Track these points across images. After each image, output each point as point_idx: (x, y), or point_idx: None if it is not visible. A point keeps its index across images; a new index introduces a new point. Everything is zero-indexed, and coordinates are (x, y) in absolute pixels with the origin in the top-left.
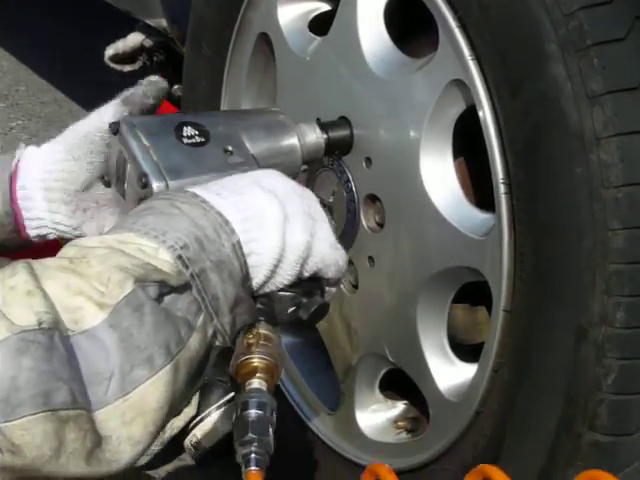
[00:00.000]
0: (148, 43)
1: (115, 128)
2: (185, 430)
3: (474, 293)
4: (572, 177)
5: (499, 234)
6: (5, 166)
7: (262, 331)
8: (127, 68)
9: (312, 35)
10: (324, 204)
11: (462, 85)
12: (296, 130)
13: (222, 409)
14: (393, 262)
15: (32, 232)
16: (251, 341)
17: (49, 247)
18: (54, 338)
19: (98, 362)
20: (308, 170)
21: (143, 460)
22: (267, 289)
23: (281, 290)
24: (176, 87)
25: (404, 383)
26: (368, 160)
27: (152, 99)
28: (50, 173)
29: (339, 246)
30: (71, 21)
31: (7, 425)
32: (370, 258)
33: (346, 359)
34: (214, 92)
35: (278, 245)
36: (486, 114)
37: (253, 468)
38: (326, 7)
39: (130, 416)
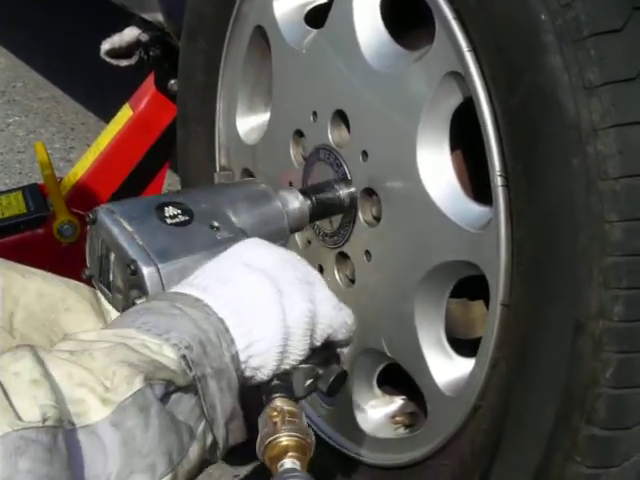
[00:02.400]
0: (144, 37)
1: (93, 217)
2: None
3: (471, 287)
4: (569, 169)
5: (496, 227)
6: None
7: (285, 407)
8: (123, 63)
9: (308, 28)
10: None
11: (459, 77)
12: (279, 198)
13: None
14: (390, 256)
15: None
16: (275, 419)
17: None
18: (57, 437)
19: (95, 464)
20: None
21: None
22: (286, 366)
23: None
24: (172, 82)
25: (402, 378)
26: (364, 153)
27: None
28: None
29: (343, 305)
30: (68, 16)
31: None
32: (367, 252)
33: (343, 354)
34: (210, 86)
35: (280, 325)
36: (483, 106)
37: None
38: None
39: None
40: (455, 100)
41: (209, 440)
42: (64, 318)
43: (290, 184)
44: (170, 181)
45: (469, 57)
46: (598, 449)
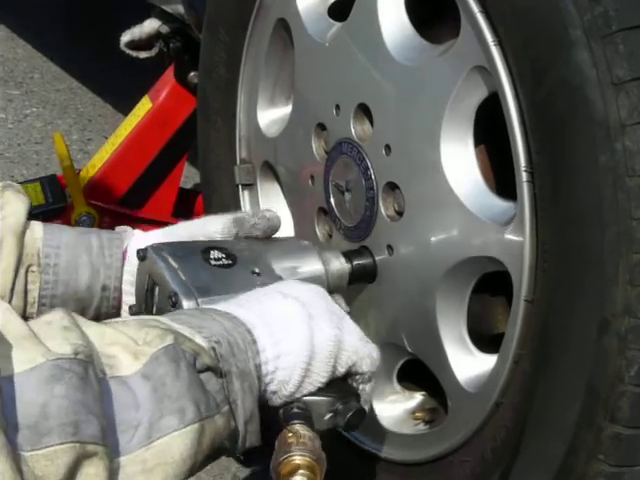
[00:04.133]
0: (164, 29)
1: (142, 254)
2: None
3: (494, 283)
4: (596, 165)
5: (521, 223)
6: (117, 244)
7: (301, 431)
8: (143, 55)
9: (331, 21)
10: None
11: (484, 71)
12: (321, 256)
13: None
14: (412, 251)
15: (124, 315)
16: (290, 440)
17: None
18: (89, 371)
19: (127, 410)
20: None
21: None
22: (305, 390)
23: (318, 392)
24: (192, 74)
25: (422, 374)
26: (388, 148)
27: (260, 232)
28: None
29: (369, 340)
30: (86, 8)
31: (32, 454)
32: (389, 247)
33: None
34: (231, 79)
35: (307, 342)
36: (509, 101)
37: None
38: None
39: (151, 464)
40: (480, 94)
41: (232, 424)
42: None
43: (312, 177)
44: (188, 173)
45: (495, 51)
46: (622, 448)
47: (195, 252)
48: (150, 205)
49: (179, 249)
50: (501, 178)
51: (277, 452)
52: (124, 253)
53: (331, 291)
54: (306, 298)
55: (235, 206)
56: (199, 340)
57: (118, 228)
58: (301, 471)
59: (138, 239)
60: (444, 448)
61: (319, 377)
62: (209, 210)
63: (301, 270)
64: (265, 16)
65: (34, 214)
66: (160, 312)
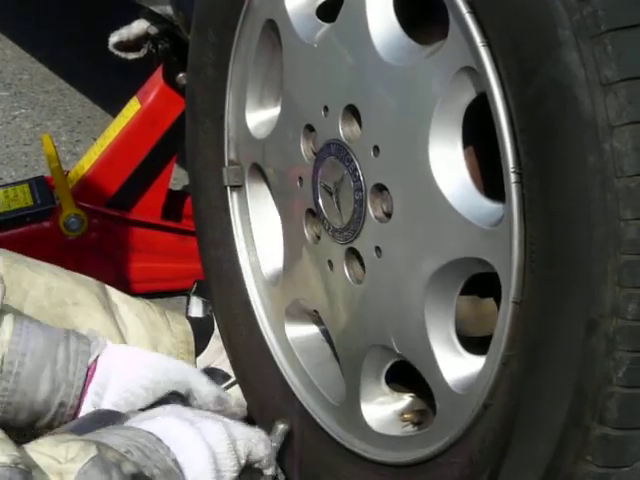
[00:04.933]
0: (153, 30)
1: None
2: None
3: (482, 284)
4: (584, 166)
5: (509, 224)
6: (83, 359)
7: None
8: (131, 56)
9: (320, 22)
10: None
11: (473, 72)
12: None
13: None
14: (400, 252)
15: None
16: None
17: None
18: None
19: None
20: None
21: None
22: None
23: None
24: (181, 75)
25: (411, 375)
26: (376, 149)
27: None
28: (125, 398)
29: (253, 427)
30: (75, 9)
31: None
32: (377, 248)
33: (352, 351)
34: (219, 80)
35: (203, 446)
36: (497, 102)
37: None
38: None
39: None
40: (469, 96)
41: None
42: (72, 311)
43: (300, 179)
44: (177, 175)
45: (483, 52)
46: (610, 449)
47: None
48: (139, 207)
49: None
50: (489, 179)
51: None
52: (89, 369)
53: None
54: (176, 411)
55: (223, 208)
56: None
57: (90, 334)
58: None
59: (108, 353)
60: (432, 450)
61: (229, 472)
62: (198, 212)
63: None
64: (254, 17)
65: (21, 216)
66: None
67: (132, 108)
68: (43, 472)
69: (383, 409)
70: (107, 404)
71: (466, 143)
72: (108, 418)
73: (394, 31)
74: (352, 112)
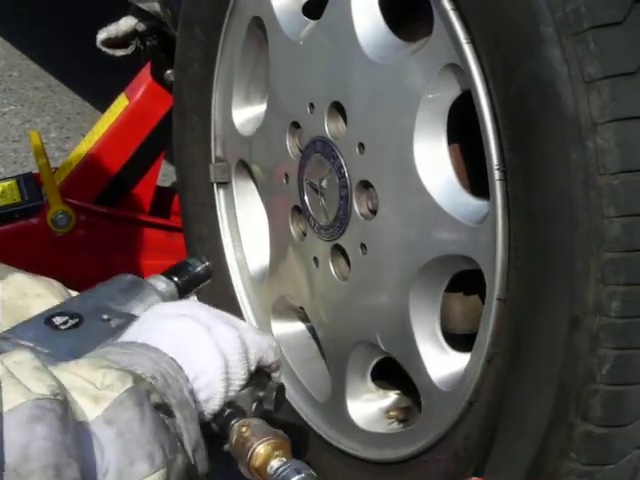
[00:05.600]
0: (141, 27)
1: None
2: None
3: (467, 281)
4: (568, 163)
5: (493, 221)
6: None
7: (245, 425)
8: (119, 52)
9: (306, 19)
10: None
11: (457, 69)
12: (149, 284)
13: None
14: (386, 249)
15: None
16: (246, 434)
17: None
18: (68, 412)
19: (91, 456)
20: None
21: None
22: (232, 393)
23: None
24: (169, 72)
25: (396, 373)
26: (361, 146)
27: None
28: None
29: (264, 333)
30: (64, 5)
31: None
32: (362, 245)
33: (337, 348)
34: (206, 76)
35: (216, 353)
36: (481, 99)
37: None
38: None
39: None
40: (453, 92)
41: (186, 459)
42: (35, 303)
43: (286, 176)
44: (165, 172)
45: (467, 49)
46: (594, 446)
47: (40, 325)
48: (127, 203)
49: (23, 329)
50: (474, 176)
51: (239, 454)
52: None
53: None
54: (191, 313)
55: (210, 204)
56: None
57: None
58: (275, 453)
59: None
60: (418, 447)
61: (239, 380)
62: (185, 208)
63: (138, 300)
64: (240, 14)
65: (9, 212)
66: None
67: (120, 104)
68: (79, 395)
69: (369, 406)
70: None
71: (451, 140)
72: (130, 288)
73: (379, 28)
74: (337, 109)
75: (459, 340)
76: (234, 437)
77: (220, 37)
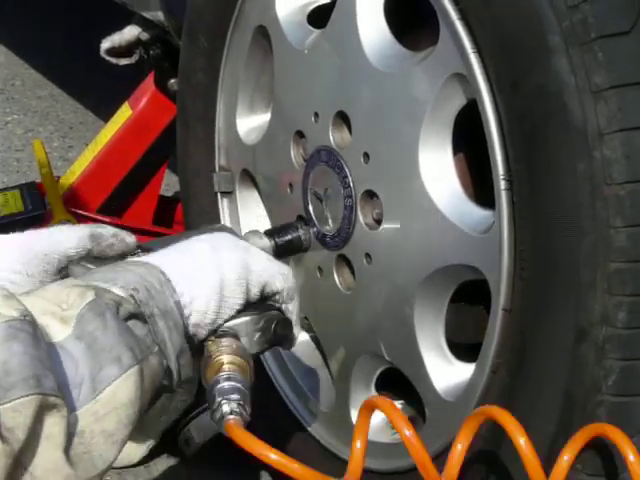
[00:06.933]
0: (144, 36)
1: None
2: (178, 425)
3: (472, 291)
4: (574, 173)
5: (499, 231)
6: None
7: (225, 340)
8: (123, 61)
9: (311, 28)
10: None
11: (463, 79)
12: (244, 238)
13: None
14: (390, 259)
15: None
16: (213, 347)
17: None
18: (37, 331)
19: (67, 370)
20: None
21: (139, 454)
22: (225, 315)
23: (238, 316)
24: (172, 81)
25: (400, 383)
26: (366, 155)
27: (115, 254)
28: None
29: (277, 261)
30: (67, 15)
31: (0, 408)
32: (367, 255)
33: (342, 357)
34: (210, 85)
35: (214, 269)
36: (487, 109)
37: (231, 417)
38: None
39: (103, 413)
40: (459, 102)
41: (165, 363)
42: None
43: (290, 185)
44: (168, 181)
45: (473, 59)
46: (600, 457)
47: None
48: (130, 213)
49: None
50: (480, 186)
51: (203, 363)
52: None
53: None
54: (207, 237)
55: (214, 214)
56: (117, 291)
57: None
58: (226, 365)
59: None
60: None
61: (235, 300)
62: (188, 218)
63: None
64: (245, 23)
65: (12, 222)
66: None
67: (123, 114)
68: (51, 319)
69: (373, 416)
70: None
71: (456, 150)
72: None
73: (385, 37)
74: (342, 118)
75: (464, 350)
76: (207, 345)
77: (224, 46)
